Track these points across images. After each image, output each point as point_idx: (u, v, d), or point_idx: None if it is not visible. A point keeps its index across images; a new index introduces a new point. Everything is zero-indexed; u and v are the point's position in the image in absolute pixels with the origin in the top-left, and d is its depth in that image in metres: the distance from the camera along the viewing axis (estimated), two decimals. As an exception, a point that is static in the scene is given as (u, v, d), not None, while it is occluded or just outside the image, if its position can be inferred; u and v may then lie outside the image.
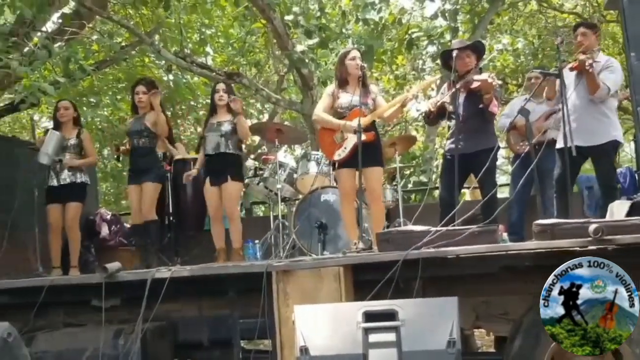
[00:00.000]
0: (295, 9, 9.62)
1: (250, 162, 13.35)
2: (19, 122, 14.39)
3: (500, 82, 5.90)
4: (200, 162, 6.38)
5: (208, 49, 11.87)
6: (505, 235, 6.17)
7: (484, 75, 5.53)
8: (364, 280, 4.19)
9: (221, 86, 6.45)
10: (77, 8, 8.95)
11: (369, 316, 3.65)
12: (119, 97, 10.59)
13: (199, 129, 11.09)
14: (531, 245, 4.06)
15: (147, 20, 10.20)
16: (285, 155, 7.32)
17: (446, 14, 10.52)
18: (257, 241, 6.76)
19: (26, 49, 7.82)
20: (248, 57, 12.75)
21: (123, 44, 10.49)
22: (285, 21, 9.30)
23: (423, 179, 10.21)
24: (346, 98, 5.54)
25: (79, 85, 9.56)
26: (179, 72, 10.68)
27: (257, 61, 13.33)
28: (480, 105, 5.54)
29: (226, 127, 6.21)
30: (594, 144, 5.52)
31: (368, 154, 5.28)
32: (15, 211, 6.14)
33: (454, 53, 5.58)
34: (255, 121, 14.58)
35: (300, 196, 6.87)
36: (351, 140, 5.38)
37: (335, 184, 6.59)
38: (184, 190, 6.95)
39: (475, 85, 5.51)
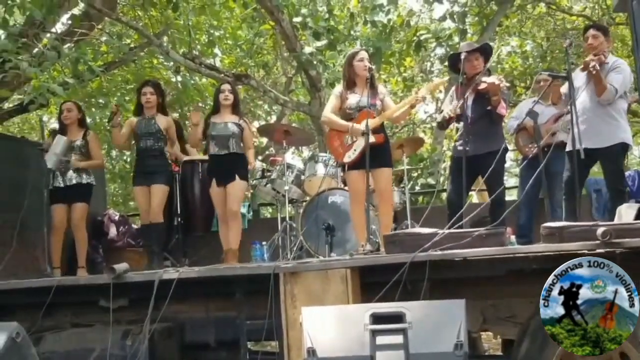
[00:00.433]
0: (304, 10, 9.64)
1: (258, 164, 13.37)
2: (28, 123, 14.46)
3: (508, 84, 5.88)
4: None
5: (216, 50, 11.90)
6: (513, 237, 6.17)
7: (493, 78, 5.52)
8: (371, 283, 4.19)
9: (226, 86, 6.43)
10: (87, 9, 8.98)
11: (377, 318, 3.64)
12: (127, 98, 10.62)
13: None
14: (539, 248, 4.04)
15: (156, 22, 10.23)
16: (292, 157, 7.28)
17: (454, 16, 10.52)
18: (264, 243, 6.75)
19: (35, 50, 7.85)
20: (256, 58, 12.76)
21: (132, 45, 10.53)
22: (294, 23, 9.32)
23: (431, 181, 10.19)
24: (354, 99, 5.52)
25: (87, 86, 9.59)
26: (187, 74, 10.71)
27: (265, 63, 13.33)
28: (489, 107, 5.53)
29: (234, 128, 6.22)
30: (603, 146, 5.51)
31: (377, 155, 5.29)
32: (24, 211, 6.16)
33: (463, 56, 5.58)
34: (262, 122, 14.62)
35: (308, 198, 6.87)
36: (360, 142, 5.36)
37: (342, 186, 6.59)
38: (192, 191, 6.98)
39: (483, 86, 5.50)
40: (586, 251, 3.72)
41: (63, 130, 6.58)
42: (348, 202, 5.86)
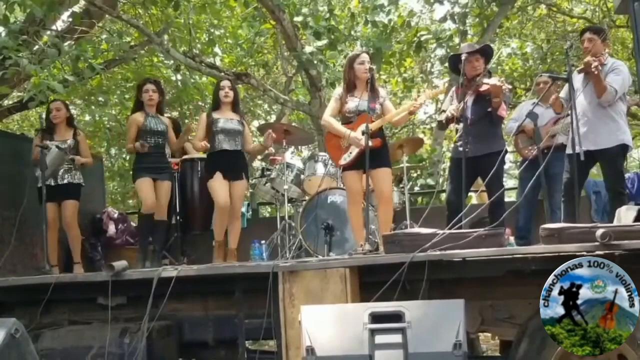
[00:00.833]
0: (305, 10, 9.64)
1: (257, 163, 13.37)
2: (28, 120, 14.42)
3: (510, 86, 5.89)
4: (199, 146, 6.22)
5: (217, 49, 11.89)
6: (512, 239, 6.17)
7: (494, 79, 5.52)
8: (369, 282, 4.19)
9: (226, 83, 6.39)
10: (87, 7, 8.98)
11: (376, 317, 3.64)
12: (127, 96, 10.61)
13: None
14: (538, 249, 4.04)
15: (157, 20, 10.21)
16: (292, 156, 7.28)
17: (455, 17, 10.53)
18: (263, 242, 6.76)
19: (36, 47, 7.84)
20: (256, 57, 12.75)
21: (132, 43, 10.53)
22: (295, 22, 9.32)
23: (430, 181, 10.19)
24: (354, 103, 5.54)
25: (87, 84, 9.59)
26: (187, 72, 10.70)
27: (265, 62, 13.32)
28: (489, 109, 5.53)
29: (238, 126, 6.21)
30: (602, 147, 5.51)
31: (375, 156, 5.30)
32: (23, 208, 6.15)
33: (463, 57, 5.58)
34: (262, 122, 14.62)
35: (307, 197, 6.87)
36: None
37: (342, 186, 6.60)
38: (191, 189, 6.98)
39: (484, 88, 5.50)
40: (585, 253, 3.71)
41: (51, 129, 6.53)
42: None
